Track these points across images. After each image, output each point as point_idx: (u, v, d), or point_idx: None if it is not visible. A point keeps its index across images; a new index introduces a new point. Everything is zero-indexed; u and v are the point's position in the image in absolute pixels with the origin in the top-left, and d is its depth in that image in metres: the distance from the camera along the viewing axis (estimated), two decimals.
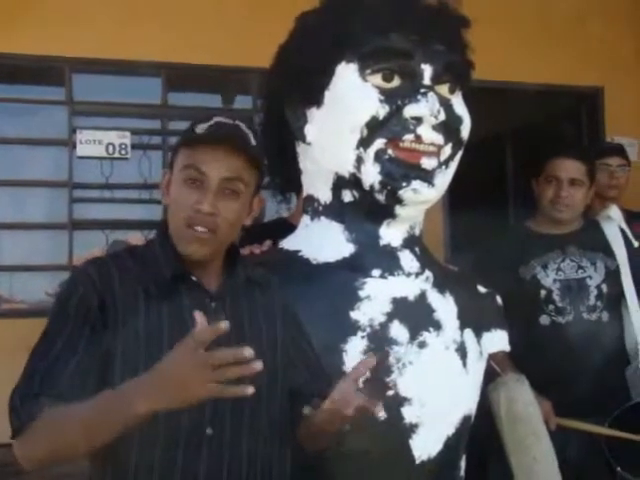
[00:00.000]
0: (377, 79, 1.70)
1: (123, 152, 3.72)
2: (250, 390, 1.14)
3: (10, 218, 3.78)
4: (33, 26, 3.51)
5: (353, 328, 1.70)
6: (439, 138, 1.72)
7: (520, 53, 4.10)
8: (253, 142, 1.47)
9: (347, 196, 1.80)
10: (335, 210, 1.83)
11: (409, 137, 1.70)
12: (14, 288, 3.89)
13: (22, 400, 1.29)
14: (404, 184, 1.70)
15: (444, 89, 1.75)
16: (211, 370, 1.12)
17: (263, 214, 3.86)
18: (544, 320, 2.61)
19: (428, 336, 1.75)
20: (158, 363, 1.17)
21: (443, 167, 1.76)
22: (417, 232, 1.87)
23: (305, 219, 1.90)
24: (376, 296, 1.74)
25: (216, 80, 3.99)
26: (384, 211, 1.77)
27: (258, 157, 1.47)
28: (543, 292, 2.62)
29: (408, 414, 1.71)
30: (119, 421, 1.19)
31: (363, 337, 1.69)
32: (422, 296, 1.80)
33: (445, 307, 1.82)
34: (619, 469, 2.46)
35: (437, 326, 1.78)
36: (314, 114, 1.78)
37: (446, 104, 1.73)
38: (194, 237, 1.40)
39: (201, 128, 1.44)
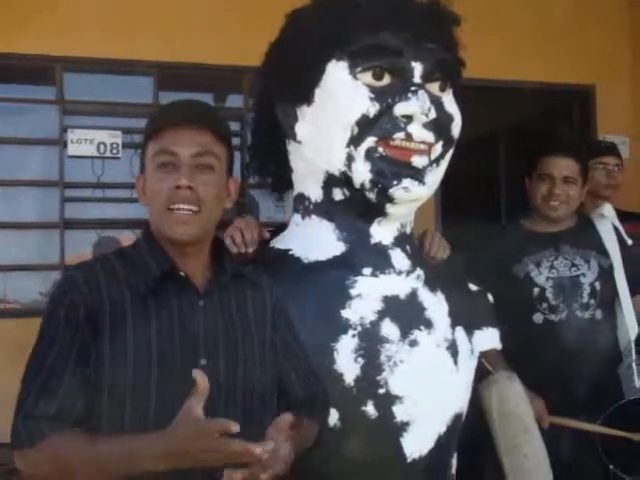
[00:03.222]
0: (367, 77, 1.71)
1: (114, 151, 3.71)
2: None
3: (1, 218, 3.77)
4: (24, 26, 3.50)
5: (344, 327, 1.70)
6: (430, 136, 1.72)
7: (513, 52, 4.10)
8: (216, 116, 1.50)
9: (338, 194, 1.81)
10: (326, 208, 1.83)
11: (400, 135, 1.70)
12: (7, 288, 3.88)
13: (22, 419, 1.31)
14: (395, 182, 1.71)
15: (435, 87, 1.76)
16: (214, 438, 1.19)
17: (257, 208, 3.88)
18: (537, 318, 2.61)
19: (419, 334, 1.76)
20: (167, 430, 1.22)
21: (434, 165, 1.76)
22: (408, 230, 1.88)
23: (296, 218, 1.90)
24: (367, 294, 1.74)
25: (208, 79, 3.97)
26: (375, 209, 1.78)
27: (224, 130, 1.49)
28: (536, 290, 2.62)
29: (399, 412, 1.71)
30: (129, 471, 1.24)
31: (354, 336, 1.70)
32: (413, 294, 1.80)
33: (436, 305, 1.82)
34: (612, 467, 2.47)
35: (428, 324, 1.78)
36: (305, 112, 1.78)
37: (437, 102, 1.73)
38: (178, 217, 1.40)
39: (161, 116, 1.48)
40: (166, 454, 1.21)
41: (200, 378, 1.22)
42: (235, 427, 1.18)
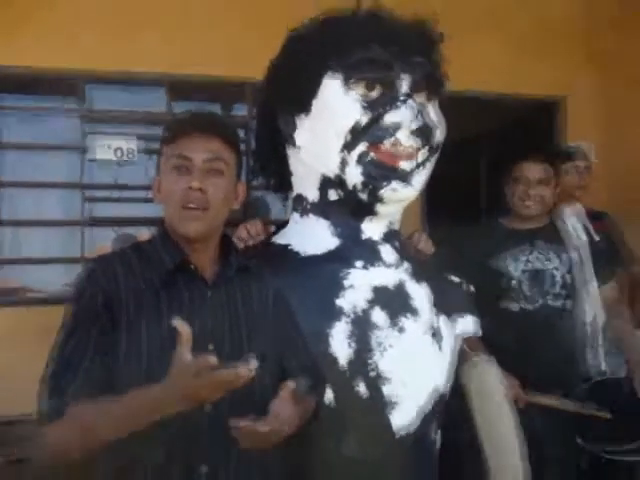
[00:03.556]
0: (360, 88, 1.70)
1: (130, 156, 3.74)
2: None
3: (30, 216, 3.82)
4: (51, 40, 3.55)
5: (338, 314, 1.71)
6: (416, 142, 1.72)
7: (494, 65, 4.13)
8: (227, 126, 1.53)
9: (333, 195, 1.81)
10: (322, 208, 1.83)
11: (389, 141, 1.70)
12: (34, 279, 3.91)
13: (47, 398, 1.32)
14: (384, 184, 1.71)
15: (421, 97, 1.76)
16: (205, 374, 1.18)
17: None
18: (514, 307, 2.64)
19: (406, 322, 1.76)
20: (166, 383, 1.21)
21: (420, 168, 1.76)
22: (396, 227, 1.89)
23: (295, 216, 1.90)
24: (359, 285, 1.75)
25: (215, 90, 3.99)
26: (366, 208, 1.78)
27: (233, 139, 1.51)
28: (513, 282, 2.64)
29: (389, 392, 1.71)
30: (146, 421, 1.24)
31: (347, 322, 1.70)
32: (401, 285, 1.80)
33: (421, 295, 1.82)
34: (580, 441, 2.48)
35: (414, 312, 1.78)
36: (303, 121, 1.78)
37: (423, 111, 1.73)
38: (190, 215, 1.42)
39: (177, 124, 1.49)
40: (173, 402, 1.21)
41: (182, 327, 1.20)
42: (212, 359, 1.17)
